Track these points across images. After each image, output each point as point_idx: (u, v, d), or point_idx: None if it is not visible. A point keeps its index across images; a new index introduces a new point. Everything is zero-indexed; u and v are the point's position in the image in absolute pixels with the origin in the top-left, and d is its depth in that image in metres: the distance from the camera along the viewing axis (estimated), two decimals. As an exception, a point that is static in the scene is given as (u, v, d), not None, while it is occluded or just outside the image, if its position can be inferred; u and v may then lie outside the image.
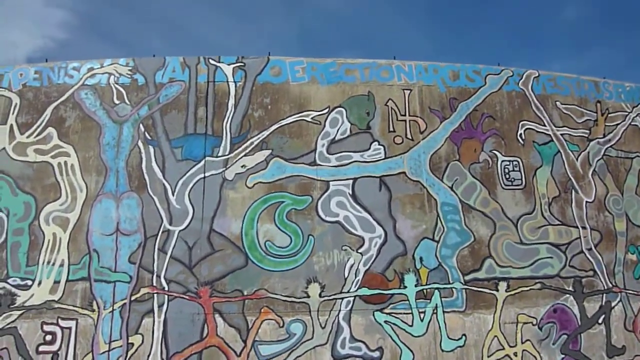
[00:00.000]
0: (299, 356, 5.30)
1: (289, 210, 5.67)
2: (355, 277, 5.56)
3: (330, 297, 5.47)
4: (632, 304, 6.31)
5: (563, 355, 5.83)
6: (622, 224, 6.61)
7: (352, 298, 5.50)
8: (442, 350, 5.51)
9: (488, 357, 5.61)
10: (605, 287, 6.23)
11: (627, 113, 7.23)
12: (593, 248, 6.33)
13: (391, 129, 6.10)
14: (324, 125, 5.98)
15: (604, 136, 6.93)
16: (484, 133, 6.36)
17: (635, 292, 6.36)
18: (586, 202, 6.50)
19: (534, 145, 6.48)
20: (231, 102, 5.96)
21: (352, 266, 5.58)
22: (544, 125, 6.61)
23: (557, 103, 6.78)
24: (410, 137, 6.11)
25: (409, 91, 6.29)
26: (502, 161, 6.30)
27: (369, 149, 5.99)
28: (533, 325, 5.84)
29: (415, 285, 5.63)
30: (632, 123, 7.22)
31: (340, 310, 5.45)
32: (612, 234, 6.51)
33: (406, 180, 5.95)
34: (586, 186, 6.57)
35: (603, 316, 6.13)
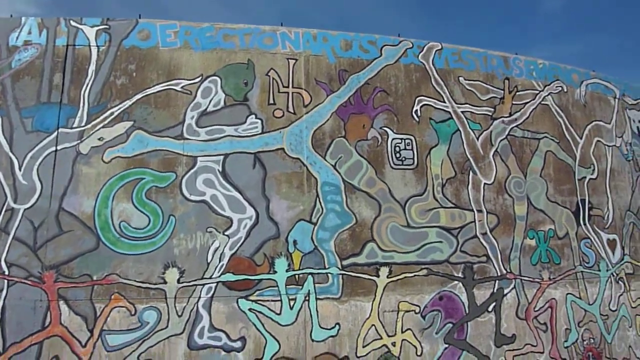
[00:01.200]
0: (151, 346, 4.89)
1: (149, 187, 5.20)
2: (220, 262, 5.14)
3: (190, 283, 5.04)
4: (526, 290, 6.05)
5: (446, 345, 5.54)
6: (522, 207, 6.32)
7: (215, 284, 5.07)
8: (313, 340, 5.16)
9: (363, 347, 5.28)
10: (499, 274, 5.96)
11: (537, 92, 6.91)
12: (488, 232, 6.03)
13: (271, 101, 5.64)
14: (195, 96, 5.49)
15: (510, 115, 6.60)
16: (375, 108, 5.95)
17: (531, 279, 6.10)
18: (485, 184, 6.18)
19: (431, 123, 6.11)
20: (91, 68, 5.42)
21: (216, 250, 5.16)
22: (444, 102, 6.23)
23: (461, 78, 6.41)
24: (292, 111, 5.67)
25: (294, 61, 5.83)
26: (394, 139, 5.91)
27: (245, 122, 5.53)
28: (416, 313, 5.53)
29: (287, 270, 5.24)
30: (543, 102, 6.91)
31: (200, 298, 5.04)
32: (511, 218, 6.22)
33: (284, 157, 5.52)
34: (486, 167, 6.24)
35: (494, 304, 5.85)
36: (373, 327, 5.38)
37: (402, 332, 5.45)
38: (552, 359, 6.04)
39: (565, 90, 7.23)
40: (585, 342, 6.31)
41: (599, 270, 6.73)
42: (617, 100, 7.87)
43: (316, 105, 5.76)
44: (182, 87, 5.49)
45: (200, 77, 5.55)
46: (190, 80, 5.54)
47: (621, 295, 6.86)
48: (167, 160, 5.30)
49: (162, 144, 5.33)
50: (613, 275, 6.85)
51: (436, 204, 5.88)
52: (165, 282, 5.02)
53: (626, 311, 6.82)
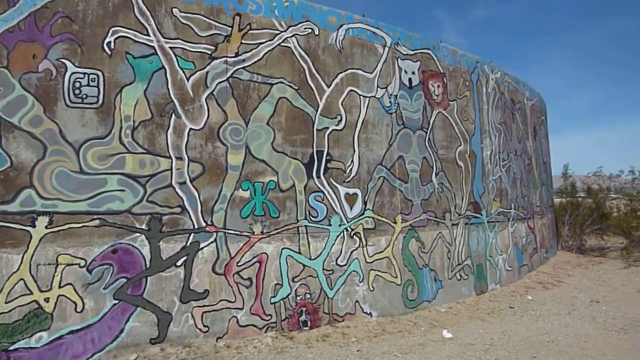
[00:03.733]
0: None
1: None
2: None
3: None
4: (230, 244, 5.78)
5: (117, 301, 5.18)
6: (238, 156, 5.96)
7: None
8: None
9: (6, 303, 4.78)
10: (196, 226, 5.59)
11: (278, 32, 6.41)
12: (188, 182, 5.62)
13: None
14: None
15: (237, 55, 6.08)
16: (52, 37, 5.23)
17: (238, 232, 5.81)
18: (190, 129, 5.70)
19: (127, 58, 5.48)
20: None
21: None
22: (148, 35, 5.58)
23: (175, 10, 5.77)
24: None
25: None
26: (74, 73, 5.25)
27: None
28: (80, 267, 5.08)
29: None
30: (284, 44, 6.44)
31: None
32: (222, 167, 5.85)
33: None
34: (195, 111, 5.76)
35: (185, 258, 5.52)
36: (22, 281, 4.89)
37: (60, 287, 5.01)
38: (254, 315, 5.88)
39: (317, 33, 6.80)
40: (299, 298, 6.21)
41: (330, 225, 6.58)
42: (387, 48, 7.58)
43: (-31, 28, 4.94)
44: None
45: None
46: None
47: (355, 250, 6.80)
48: None
49: None
50: (347, 230, 6.74)
51: (122, 148, 5.37)
52: None
53: (358, 266, 6.79)
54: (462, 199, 8.66)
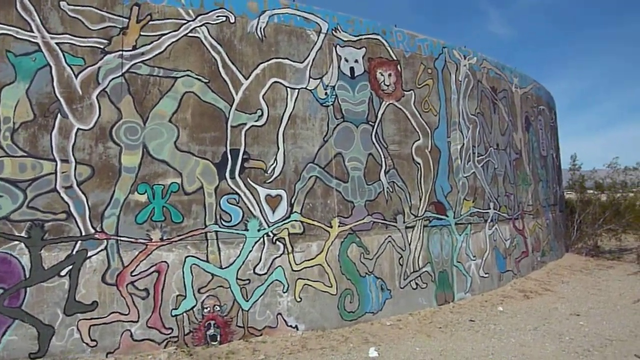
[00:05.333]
0: None
1: None
2: None
3: None
4: (122, 252, 5.40)
5: (-9, 314, 4.90)
6: (134, 157, 5.57)
7: None
8: None
9: None
10: (83, 233, 5.25)
11: (185, 22, 5.98)
12: (75, 186, 5.30)
13: None
14: None
15: (135, 49, 5.69)
16: None
17: (132, 239, 5.42)
18: (79, 129, 5.37)
19: (8, 56, 5.23)
20: None
21: None
22: (31, 32, 5.29)
23: (62, 4, 5.46)
24: None
25: None
26: (-54, 74, 5.01)
27: None
28: (-49, 278, 4.83)
29: None
30: (191, 34, 5.99)
31: None
32: (114, 169, 5.49)
33: None
34: (84, 110, 5.43)
35: (70, 267, 5.19)
36: None
37: None
38: (151, 328, 5.47)
39: (233, 21, 6.30)
40: (206, 310, 5.75)
41: (246, 230, 6.07)
42: (322, 35, 6.96)
43: None
44: None
45: None
46: None
47: (278, 257, 6.25)
48: None
49: None
50: (269, 236, 6.20)
51: (1, 152, 5.08)
52: None
53: (282, 275, 6.24)
54: (421, 199, 7.88)
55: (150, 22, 5.87)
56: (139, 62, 5.76)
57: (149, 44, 5.83)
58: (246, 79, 6.34)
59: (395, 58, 7.85)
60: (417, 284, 7.61)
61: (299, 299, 6.37)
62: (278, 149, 6.46)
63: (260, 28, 6.53)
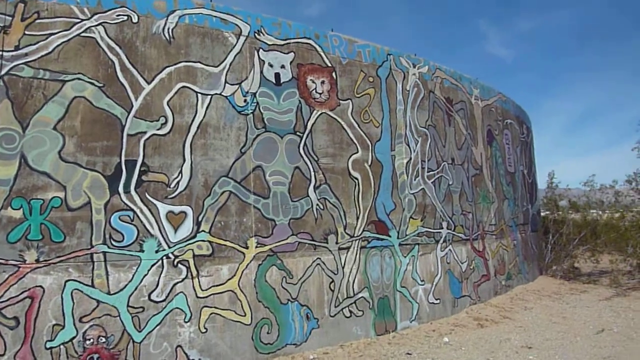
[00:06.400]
0: None
1: None
2: None
3: None
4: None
5: None
6: (9, 168, 5.01)
7: None
8: None
9: None
10: (-59, 254, 4.62)
11: (78, 20, 5.46)
12: None
13: None
14: None
15: (17, 49, 5.16)
16: None
17: (2, 260, 4.79)
18: (-57, 136, 4.78)
19: None
20: None
21: None
22: None
23: None
24: None
25: None
26: None
27: None
28: None
29: None
30: (86, 34, 5.46)
31: None
32: (-16, 182, 4.85)
33: None
34: (-50, 115, 4.82)
35: None
36: None
37: None
38: (20, 363, 4.79)
39: (136, 20, 5.77)
40: (89, 342, 5.08)
41: (141, 251, 5.44)
42: (242, 37, 6.42)
43: None
44: None
45: None
46: None
47: (180, 282, 5.59)
48: None
49: None
50: (169, 258, 5.56)
51: None
52: None
53: (185, 302, 5.58)
54: (358, 218, 7.23)
55: (38, 21, 5.36)
56: (21, 64, 5.22)
57: (35, 44, 5.30)
58: (148, 83, 5.79)
59: (329, 64, 7.31)
60: (351, 311, 6.91)
61: (203, 330, 5.70)
62: (184, 160, 5.87)
63: (168, 29, 6.00)
